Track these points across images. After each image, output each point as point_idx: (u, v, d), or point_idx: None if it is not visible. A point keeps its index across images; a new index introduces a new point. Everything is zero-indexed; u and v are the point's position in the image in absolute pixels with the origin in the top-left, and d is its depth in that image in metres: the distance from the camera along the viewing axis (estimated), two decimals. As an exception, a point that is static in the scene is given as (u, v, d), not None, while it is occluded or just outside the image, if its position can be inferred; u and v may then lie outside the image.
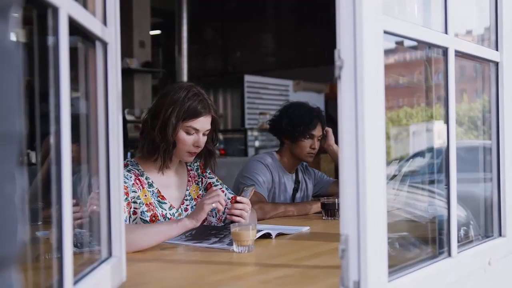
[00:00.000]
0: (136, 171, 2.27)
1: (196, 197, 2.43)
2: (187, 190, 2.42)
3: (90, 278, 1.23)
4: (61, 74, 1.04)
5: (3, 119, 0.59)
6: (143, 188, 2.25)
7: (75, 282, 1.12)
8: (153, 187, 2.29)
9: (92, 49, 1.37)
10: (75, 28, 1.15)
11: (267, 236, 2.17)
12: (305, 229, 2.42)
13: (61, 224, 1.04)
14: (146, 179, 2.29)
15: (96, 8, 1.36)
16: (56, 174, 1.04)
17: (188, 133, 2.26)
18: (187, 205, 2.39)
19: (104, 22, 1.39)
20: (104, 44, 1.39)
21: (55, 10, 1.02)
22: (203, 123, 2.28)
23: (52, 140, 1.04)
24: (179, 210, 2.35)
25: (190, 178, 2.45)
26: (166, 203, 2.30)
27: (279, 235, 2.24)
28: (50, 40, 1.05)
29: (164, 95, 2.28)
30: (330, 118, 4.96)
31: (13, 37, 0.62)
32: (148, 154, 2.29)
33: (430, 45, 1.60)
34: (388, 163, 1.33)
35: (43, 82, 1.06)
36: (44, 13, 1.03)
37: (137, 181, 2.24)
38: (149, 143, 2.27)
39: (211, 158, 2.43)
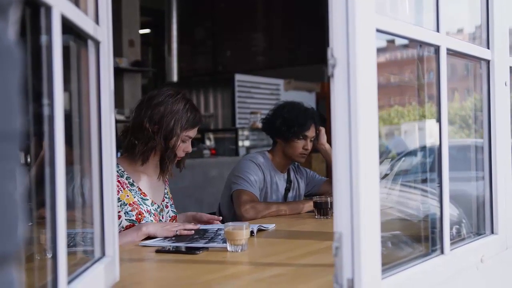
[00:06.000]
0: (116, 169, 2.30)
1: (170, 197, 2.57)
2: (165, 189, 2.54)
3: (83, 277, 1.22)
4: (54, 73, 1.03)
5: (5, 117, 0.59)
6: (124, 189, 2.31)
7: (69, 282, 1.12)
8: (134, 186, 2.37)
9: (84, 48, 1.36)
10: (67, 27, 1.14)
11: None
12: (271, 226, 2.45)
13: (55, 224, 1.03)
14: (126, 179, 2.36)
15: (88, 6, 1.36)
16: (49, 175, 1.03)
17: (183, 141, 2.38)
18: (166, 203, 2.51)
19: (97, 21, 1.39)
20: (97, 43, 1.38)
21: (48, 9, 1.02)
22: (196, 131, 2.44)
23: (45, 140, 1.04)
24: (161, 206, 2.46)
25: (166, 180, 2.56)
26: (148, 199, 2.39)
27: (259, 230, 2.30)
28: (43, 39, 1.04)
29: (160, 104, 2.34)
30: (321, 117, 4.96)
31: (12, 35, 0.62)
32: (146, 159, 2.34)
33: (422, 43, 1.61)
34: (380, 161, 1.33)
35: (35, 81, 1.05)
36: (36, 11, 1.03)
37: (117, 183, 2.26)
38: (149, 150, 2.33)
39: (185, 157, 2.50)
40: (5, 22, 0.59)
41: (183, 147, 2.39)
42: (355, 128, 1.19)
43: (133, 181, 2.37)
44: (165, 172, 2.41)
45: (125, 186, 2.32)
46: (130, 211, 2.28)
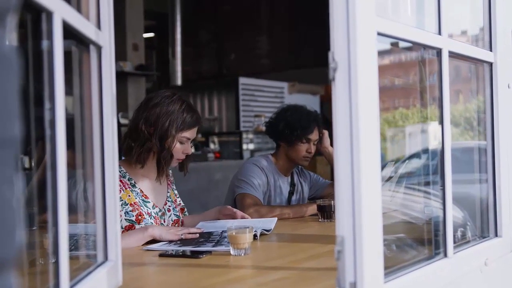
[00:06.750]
0: (118, 173, 2.31)
1: (173, 200, 2.55)
2: (168, 192, 2.53)
3: (86, 282, 1.22)
4: (56, 78, 1.04)
5: (3, 123, 0.59)
6: (126, 189, 2.32)
7: (71, 286, 1.12)
8: (136, 187, 2.37)
9: (86, 53, 1.37)
10: (69, 32, 1.15)
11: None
12: (274, 220, 2.49)
13: (57, 229, 1.03)
14: (128, 180, 2.36)
15: (90, 11, 1.36)
16: (51, 179, 1.03)
17: (181, 142, 2.38)
18: (169, 206, 2.50)
19: (98, 26, 1.39)
20: (98, 48, 1.39)
21: (49, 14, 1.02)
22: (195, 132, 2.43)
23: (47, 144, 1.04)
24: (163, 209, 2.45)
25: (169, 182, 2.57)
26: (149, 202, 2.39)
27: (262, 234, 2.29)
28: (44, 44, 1.04)
29: (156, 105, 2.34)
30: (325, 120, 4.96)
31: (11, 41, 0.62)
32: (142, 161, 2.34)
33: (424, 46, 1.60)
34: (384, 164, 1.33)
35: (37, 86, 1.05)
36: (38, 17, 1.03)
37: (119, 182, 2.27)
38: (146, 151, 2.33)
39: (188, 160, 2.49)
40: (3, 28, 0.60)
41: (182, 149, 2.38)
42: (356, 131, 1.19)
43: (135, 182, 2.37)
44: (161, 174, 2.41)
45: (127, 186, 2.33)
46: (130, 211, 2.29)
